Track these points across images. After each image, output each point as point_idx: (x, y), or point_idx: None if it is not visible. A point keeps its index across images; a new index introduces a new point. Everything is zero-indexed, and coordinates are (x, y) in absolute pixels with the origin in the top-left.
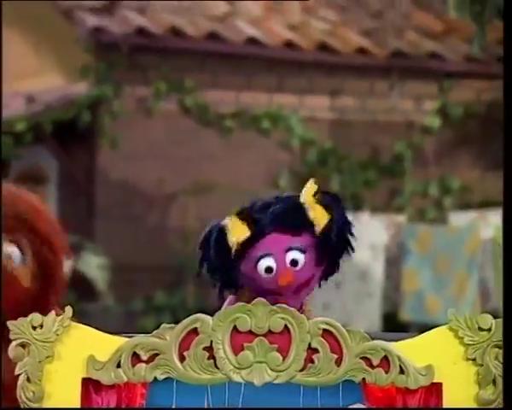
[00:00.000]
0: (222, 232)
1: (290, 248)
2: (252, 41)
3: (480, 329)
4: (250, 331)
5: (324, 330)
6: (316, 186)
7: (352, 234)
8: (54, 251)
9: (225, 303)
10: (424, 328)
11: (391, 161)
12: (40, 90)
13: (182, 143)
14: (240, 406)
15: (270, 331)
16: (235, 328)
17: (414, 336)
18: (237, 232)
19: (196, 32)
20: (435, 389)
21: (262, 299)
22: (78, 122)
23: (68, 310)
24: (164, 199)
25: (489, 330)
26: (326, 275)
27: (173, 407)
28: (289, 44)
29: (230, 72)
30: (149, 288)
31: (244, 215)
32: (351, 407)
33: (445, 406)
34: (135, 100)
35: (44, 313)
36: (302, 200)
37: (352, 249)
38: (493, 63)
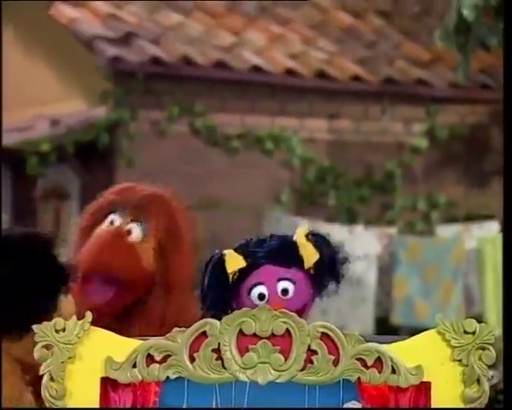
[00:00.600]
0: (220, 261)
1: (281, 279)
2: (256, 69)
3: (466, 332)
4: (254, 334)
5: (322, 333)
6: (308, 227)
7: (338, 269)
8: (174, 240)
9: None
10: (414, 331)
11: (383, 178)
12: (63, 113)
13: (192, 161)
14: (245, 403)
15: (272, 334)
16: (240, 331)
17: (404, 338)
18: (233, 263)
19: (206, 61)
20: (424, 387)
21: (266, 304)
22: (98, 143)
23: (88, 315)
24: None
25: (473, 333)
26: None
27: (184, 403)
28: (290, 72)
29: (236, 97)
30: None
31: (241, 250)
32: (345, 405)
33: (433, 402)
34: (149, 123)
35: (163, 293)
36: (295, 238)
37: (338, 283)
38: (476, 89)
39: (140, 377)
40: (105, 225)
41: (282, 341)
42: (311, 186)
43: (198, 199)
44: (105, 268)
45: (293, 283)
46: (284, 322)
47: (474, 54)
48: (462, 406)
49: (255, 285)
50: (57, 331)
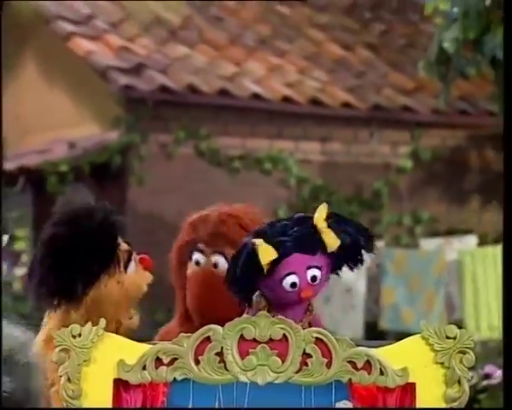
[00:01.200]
0: (252, 252)
1: (310, 267)
2: (256, 96)
3: (447, 337)
4: (254, 339)
5: (316, 338)
6: (326, 210)
7: (360, 252)
8: None
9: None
10: (400, 336)
11: (371, 196)
12: (80, 137)
13: (196, 180)
14: (246, 402)
15: (271, 339)
16: (241, 336)
17: (392, 343)
18: (267, 255)
19: (210, 89)
20: (410, 388)
21: (264, 312)
22: (111, 164)
23: (102, 321)
24: None
25: (454, 338)
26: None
27: (190, 403)
28: (287, 99)
29: (238, 122)
30: (171, 301)
31: (269, 239)
32: (337, 405)
33: (417, 402)
34: (158, 146)
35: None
36: (316, 224)
37: (361, 263)
38: (456, 115)
39: (149, 379)
40: (192, 267)
41: (280, 345)
42: (306, 203)
43: None
44: (211, 315)
45: (320, 269)
46: (281, 328)
47: (454, 83)
48: (445, 405)
49: (287, 275)
50: (74, 337)
